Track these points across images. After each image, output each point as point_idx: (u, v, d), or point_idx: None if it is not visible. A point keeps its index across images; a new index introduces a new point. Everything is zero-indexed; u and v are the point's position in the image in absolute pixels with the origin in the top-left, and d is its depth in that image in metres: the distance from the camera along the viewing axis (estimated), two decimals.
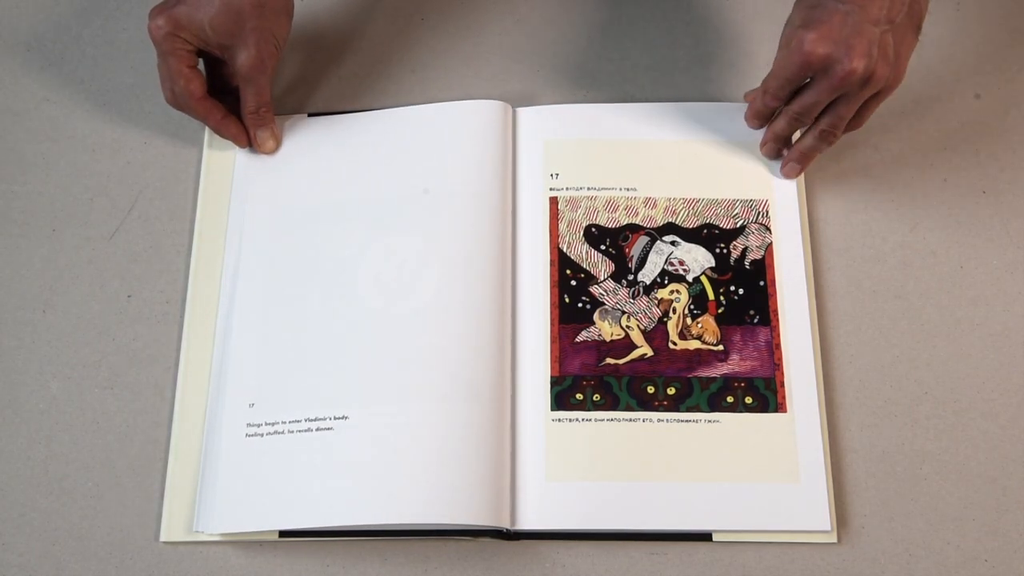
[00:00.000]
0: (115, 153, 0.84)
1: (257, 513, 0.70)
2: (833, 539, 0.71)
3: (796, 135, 0.79)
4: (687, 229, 0.78)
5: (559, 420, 0.73)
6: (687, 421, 0.73)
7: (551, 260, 0.78)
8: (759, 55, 0.86)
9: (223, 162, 0.82)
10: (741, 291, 0.76)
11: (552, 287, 0.77)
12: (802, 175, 0.81)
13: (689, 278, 0.77)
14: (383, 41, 0.88)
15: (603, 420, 0.73)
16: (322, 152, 0.81)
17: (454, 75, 0.86)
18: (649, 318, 0.76)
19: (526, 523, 0.70)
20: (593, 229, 0.79)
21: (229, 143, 0.81)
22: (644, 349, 0.75)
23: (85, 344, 0.77)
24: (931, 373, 0.76)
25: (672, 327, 0.76)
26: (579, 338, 0.75)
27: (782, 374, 0.74)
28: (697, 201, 0.79)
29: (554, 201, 0.79)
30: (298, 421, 0.72)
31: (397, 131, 0.81)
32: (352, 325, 0.74)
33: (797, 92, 0.74)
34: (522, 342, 0.75)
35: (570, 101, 0.84)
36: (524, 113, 0.82)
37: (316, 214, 0.79)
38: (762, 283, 0.77)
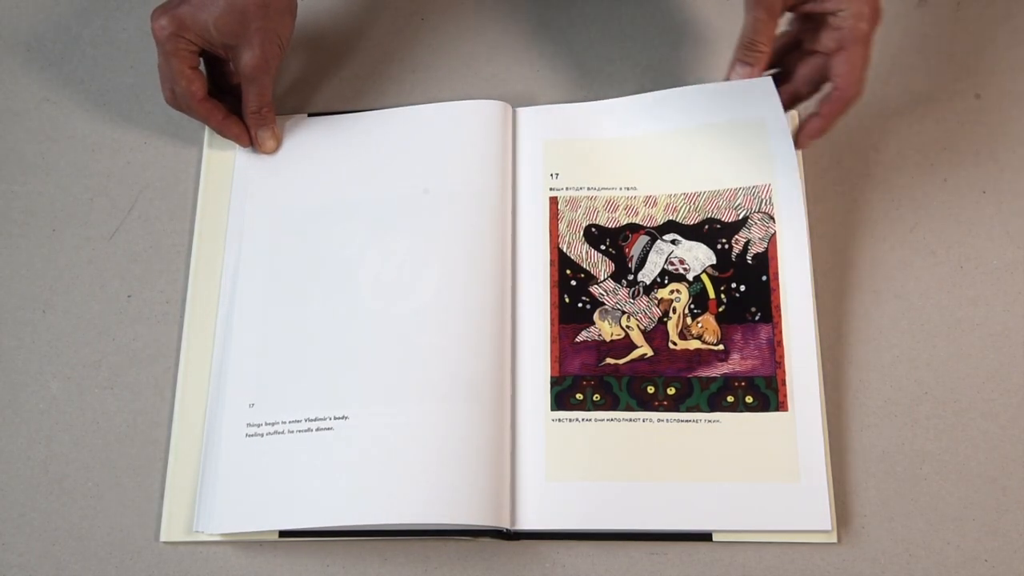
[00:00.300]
0: (115, 153, 0.84)
1: (257, 513, 0.70)
2: (833, 539, 0.71)
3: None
4: (688, 226, 0.78)
5: (559, 420, 0.73)
6: (687, 421, 0.73)
7: (551, 260, 0.78)
8: None
9: (223, 162, 0.82)
10: (743, 288, 0.76)
11: (552, 287, 0.77)
12: (801, 176, 0.80)
13: (690, 276, 0.77)
14: (383, 41, 0.88)
15: (603, 420, 0.73)
16: (322, 152, 0.81)
17: (454, 75, 0.86)
18: (649, 318, 0.76)
19: (526, 523, 0.70)
20: (593, 229, 0.79)
21: (229, 143, 0.81)
22: (644, 349, 0.75)
23: (85, 344, 0.77)
24: (931, 373, 0.76)
25: (672, 327, 0.76)
26: (579, 338, 0.75)
27: (783, 372, 0.74)
28: (698, 195, 0.79)
29: (554, 201, 0.79)
30: (298, 421, 0.72)
31: (397, 131, 0.81)
32: (352, 325, 0.74)
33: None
34: (522, 342, 0.75)
35: (570, 101, 0.84)
36: (524, 113, 0.82)
37: (316, 214, 0.79)
38: (764, 278, 0.76)
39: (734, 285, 0.77)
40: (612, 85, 0.85)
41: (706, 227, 0.78)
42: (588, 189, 0.80)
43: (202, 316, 0.77)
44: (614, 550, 0.71)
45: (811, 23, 0.74)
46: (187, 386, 0.75)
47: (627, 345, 0.75)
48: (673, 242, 0.78)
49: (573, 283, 0.77)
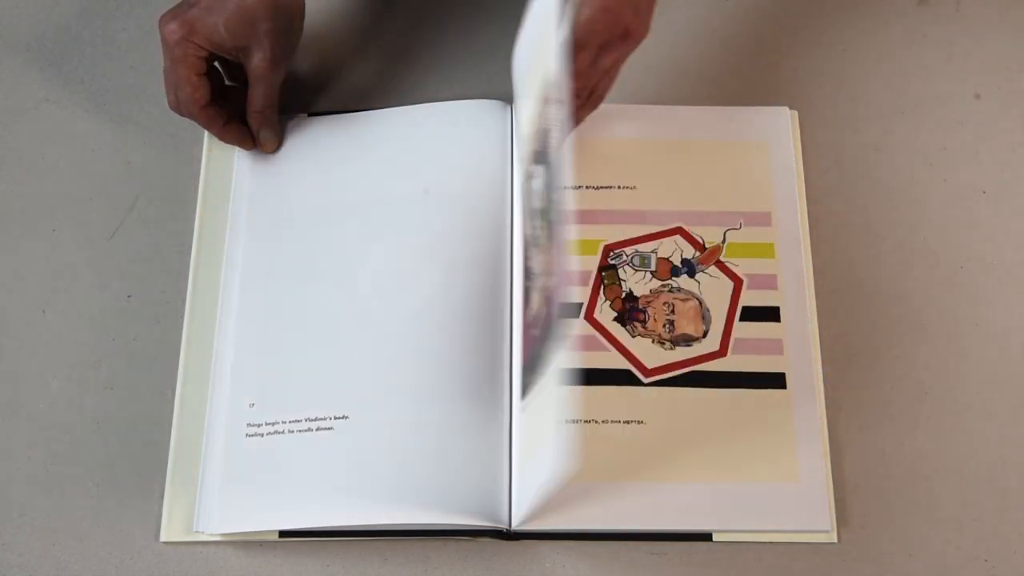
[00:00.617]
0: (115, 153, 0.84)
1: (257, 513, 0.70)
2: (833, 539, 0.71)
3: None
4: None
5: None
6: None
7: None
8: (760, 56, 0.86)
9: (223, 162, 0.82)
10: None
11: None
12: (801, 176, 0.81)
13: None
14: (384, 41, 0.88)
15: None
16: (323, 152, 0.81)
17: (454, 75, 0.86)
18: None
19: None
20: None
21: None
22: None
23: (85, 344, 0.77)
24: (931, 373, 0.76)
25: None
26: None
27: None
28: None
29: None
30: (298, 421, 0.72)
31: (397, 131, 0.81)
32: (352, 325, 0.74)
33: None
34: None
35: None
36: None
37: (316, 214, 0.79)
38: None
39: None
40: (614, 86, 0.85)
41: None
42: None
43: (202, 316, 0.77)
44: (614, 550, 0.71)
45: None
46: (187, 386, 0.75)
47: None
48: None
49: None
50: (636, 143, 0.81)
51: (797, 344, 0.75)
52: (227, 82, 0.81)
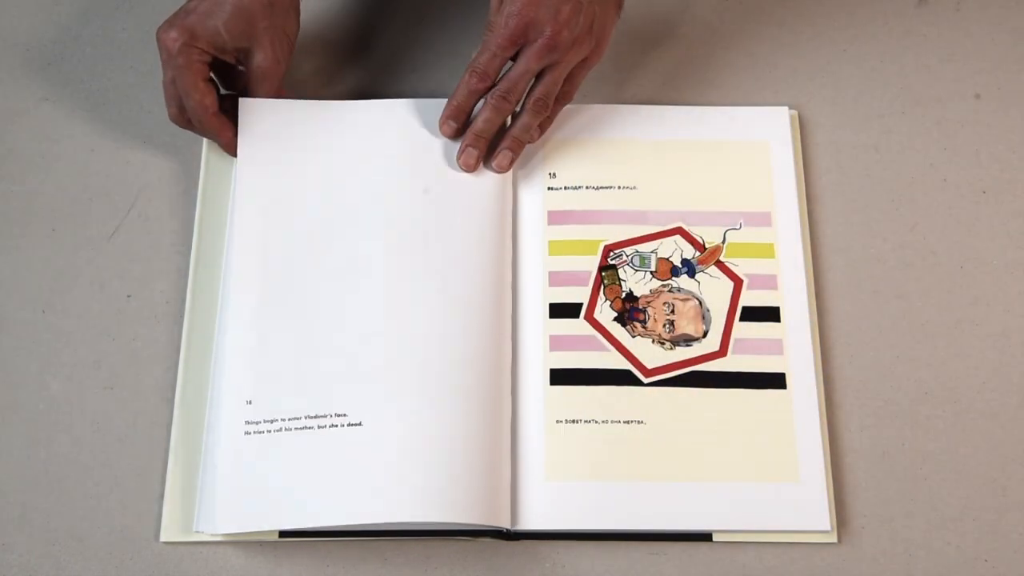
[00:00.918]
0: (115, 153, 0.84)
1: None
2: (833, 539, 0.71)
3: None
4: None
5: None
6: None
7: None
8: (760, 56, 0.86)
9: (223, 162, 0.82)
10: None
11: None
12: (801, 176, 0.81)
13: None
14: (383, 41, 0.88)
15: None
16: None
17: (454, 75, 0.86)
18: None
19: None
20: None
21: None
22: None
23: (85, 344, 0.77)
24: (931, 373, 0.76)
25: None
26: None
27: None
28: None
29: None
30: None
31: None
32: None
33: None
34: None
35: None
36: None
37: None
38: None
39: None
40: (611, 85, 0.85)
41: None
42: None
43: (202, 316, 0.77)
44: (614, 550, 0.71)
45: None
46: (187, 386, 0.75)
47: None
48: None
49: None
50: (636, 143, 0.81)
51: (797, 344, 0.75)
52: (222, 91, 0.80)
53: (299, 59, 0.87)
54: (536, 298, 0.76)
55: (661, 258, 0.78)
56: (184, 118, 0.78)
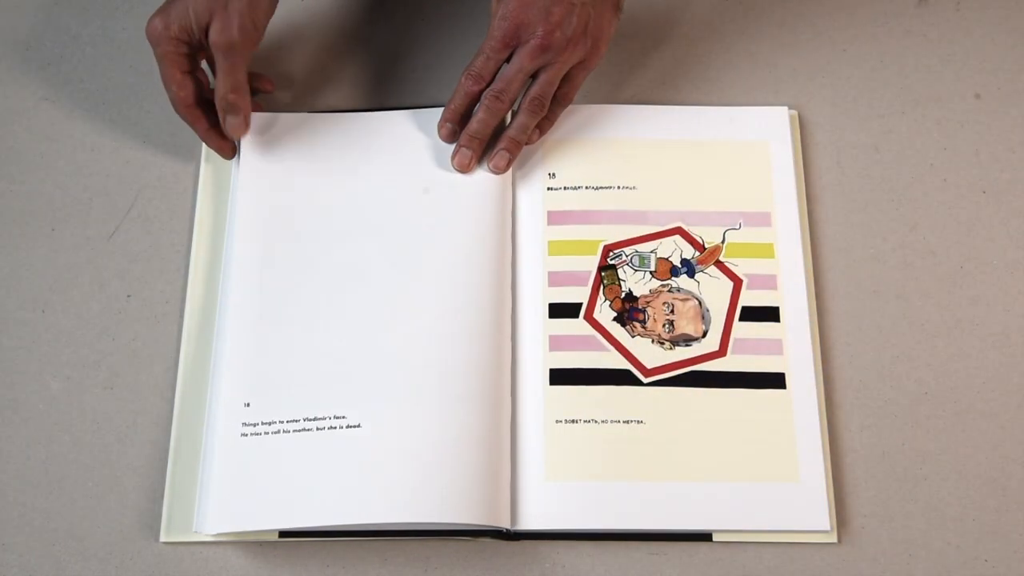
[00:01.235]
0: (115, 153, 0.84)
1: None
2: (833, 539, 0.71)
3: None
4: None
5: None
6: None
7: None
8: (760, 56, 0.86)
9: (223, 162, 0.82)
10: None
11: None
12: (801, 176, 0.81)
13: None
14: (383, 41, 0.88)
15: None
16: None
17: (454, 75, 0.86)
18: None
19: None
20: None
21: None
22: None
23: (85, 344, 0.77)
24: (931, 373, 0.76)
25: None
26: None
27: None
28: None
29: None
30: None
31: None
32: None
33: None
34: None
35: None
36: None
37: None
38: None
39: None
40: (611, 85, 0.85)
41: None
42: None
43: (201, 316, 0.77)
44: (614, 550, 0.71)
45: None
46: (187, 386, 0.75)
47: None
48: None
49: None
50: (636, 143, 0.81)
51: (797, 344, 0.75)
52: (212, 84, 0.80)
53: (298, 59, 0.87)
54: (536, 298, 0.76)
55: (661, 258, 0.78)
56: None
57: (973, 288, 0.78)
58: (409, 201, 0.78)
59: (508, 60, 0.76)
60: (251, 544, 0.71)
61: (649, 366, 0.74)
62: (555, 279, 0.77)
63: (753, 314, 0.76)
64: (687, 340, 0.75)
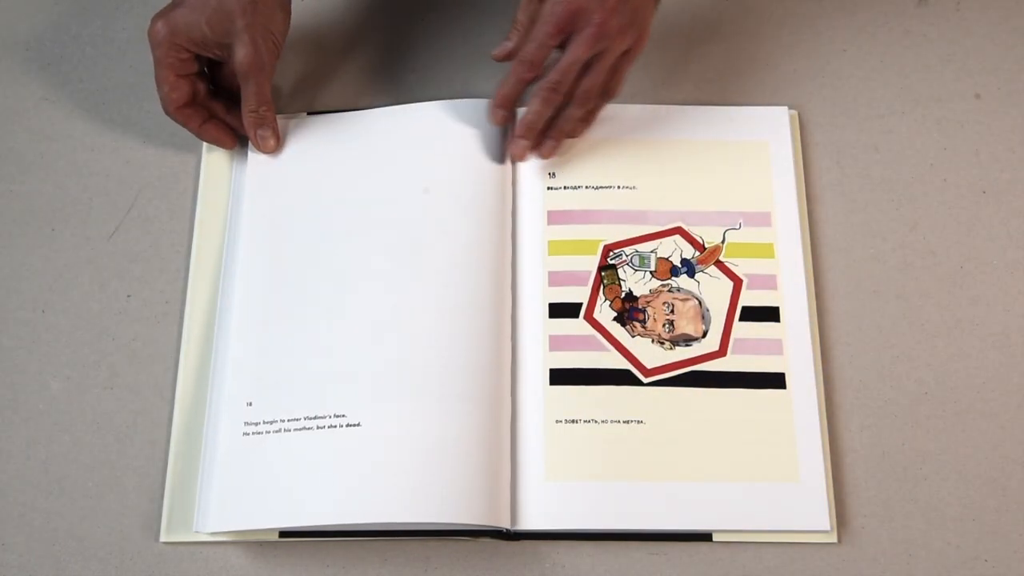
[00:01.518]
0: (115, 153, 0.84)
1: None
2: (833, 539, 0.71)
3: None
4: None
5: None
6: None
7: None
8: (760, 56, 0.86)
9: (223, 162, 0.82)
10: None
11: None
12: (801, 176, 0.81)
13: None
14: (383, 41, 0.88)
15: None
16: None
17: (454, 75, 0.86)
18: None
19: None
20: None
21: None
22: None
23: (85, 344, 0.77)
24: (931, 373, 0.76)
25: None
26: None
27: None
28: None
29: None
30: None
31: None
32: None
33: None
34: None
35: None
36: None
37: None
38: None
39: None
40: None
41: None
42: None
43: (202, 316, 0.77)
44: (614, 550, 0.71)
45: None
46: (187, 386, 0.75)
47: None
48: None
49: None
50: (636, 143, 0.81)
51: (797, 344, 0.75)
52: (211, 87, 0.80)
53: (298, 58, 0.87)
54: (536, 298, 0.76)
55: (661, 258, 0.78)
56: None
57: (973, 288, 0.78)
58: (409, 201, 0.78)
59: (560, 47, 0.74)
60: (251, 544, 0.71)
61: (649, 366, 0.74)
62: (555, 279, 0.77)
63: (753, 314, 0.76)
64: (687, 340, 0.75)
